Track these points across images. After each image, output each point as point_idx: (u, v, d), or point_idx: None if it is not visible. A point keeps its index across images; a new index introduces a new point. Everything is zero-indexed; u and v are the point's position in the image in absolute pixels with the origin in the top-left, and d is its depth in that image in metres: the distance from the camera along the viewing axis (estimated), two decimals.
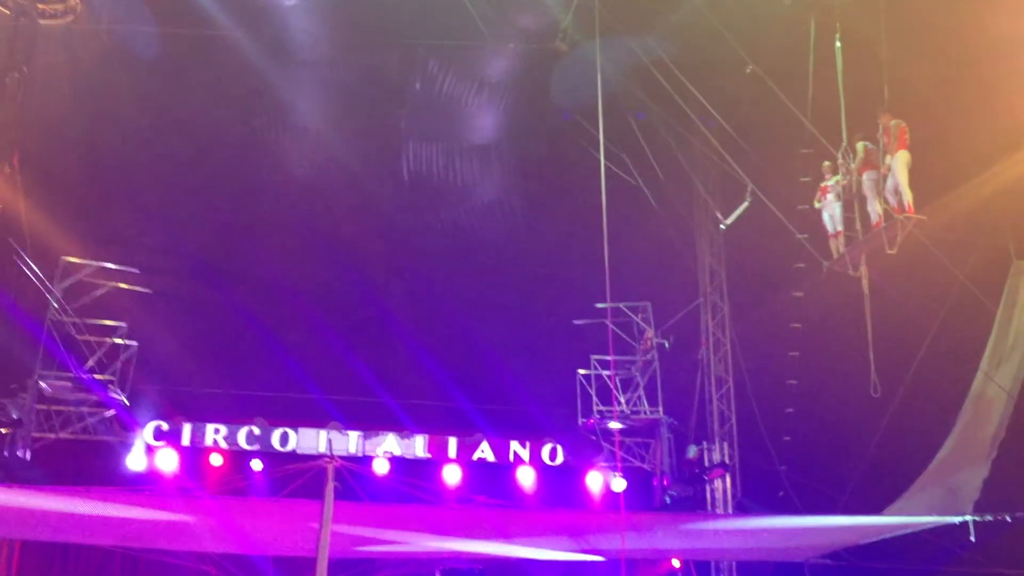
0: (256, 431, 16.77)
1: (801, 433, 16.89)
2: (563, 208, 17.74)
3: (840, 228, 13.49)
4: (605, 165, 12.11)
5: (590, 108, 12.72)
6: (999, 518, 13.21)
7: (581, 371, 17.03)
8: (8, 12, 14.33)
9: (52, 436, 16.05)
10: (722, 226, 17.01)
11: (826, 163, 13.72)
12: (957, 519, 13.51)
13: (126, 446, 16.19)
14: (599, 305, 15.29)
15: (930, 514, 13.87)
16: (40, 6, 14.65)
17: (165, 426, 16.52)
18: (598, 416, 16.89)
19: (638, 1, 14.21)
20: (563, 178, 17.74)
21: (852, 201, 13.26)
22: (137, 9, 15.00)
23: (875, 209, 12.74)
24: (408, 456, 17.10)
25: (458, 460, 17.03)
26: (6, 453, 15.24)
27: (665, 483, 17.12)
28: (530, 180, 18.26)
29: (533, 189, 18.33)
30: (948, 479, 14.10)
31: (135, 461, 15.96)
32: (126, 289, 16.33)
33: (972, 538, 13.46)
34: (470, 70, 16.73)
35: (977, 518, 13.33)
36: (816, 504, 15.56)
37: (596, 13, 12.84)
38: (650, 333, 17.33)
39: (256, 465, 16.31)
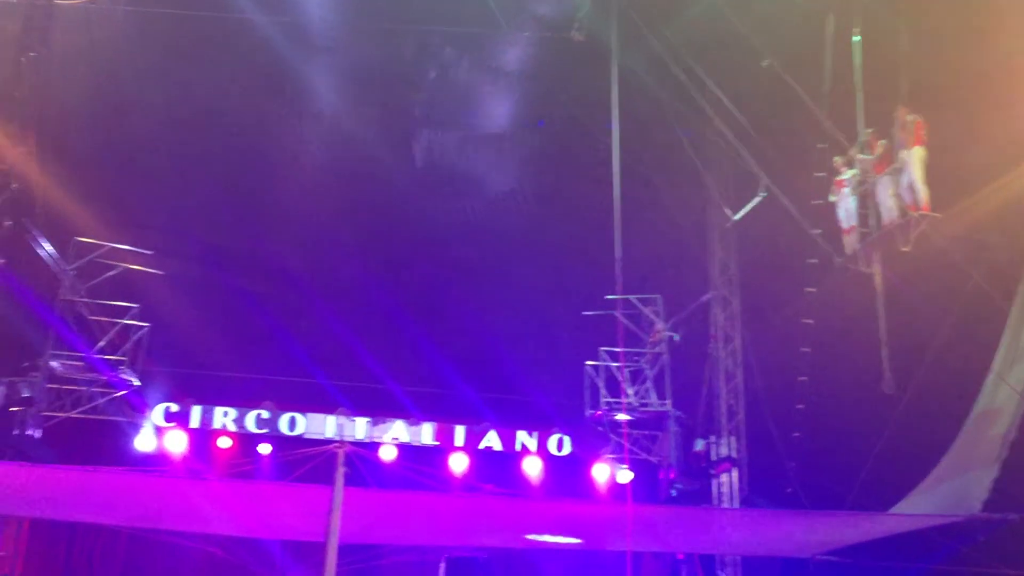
0: (265, 415, 16.83)
1: (810, 429, 16.82)
2: (575, 199, 17.71)
3: (854, 223, 13.41)
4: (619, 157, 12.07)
5: (604, 99, 12.69)
6: (1008, 517, 13.15)
7: (589, 362, 17.00)
8: None
9: (62, 415, 16.11)
10: (734, 219, 16.92)
11: (837, 158, 13.62)
12: (964, 518, 13.47)
13: (135, 427, 16.27)
14: (609, 297, 15.24)
15: (938, 512, 13.83)
16: None
17: (175, 408, 16.60)
18: (606, 408, 16.88)
19: None
20: (576, 169, 17.71)
21: (867, 197, 13.19)
22: None
23: (890, 206, 12.66)
24: (415, 443, 17.16)
25: (465, 448, 17.08)
26: (16, 431, 15.33)
27: (671, 476, 17.11)
28: (543, 170, 18.23)
29: (545, 179, 18.30)
30: (957, 478, 14.03)
31: (144, 442, 16.03)
32: (139, 270, 16.35)
33: (979, 537, 13.41)
34: (485, 59, 16.71)
35: (985, 517, 13.28)
36: (823, 500, 15.53)
37: (614, 3, 12.79)
38: (660, 326, 17.30)
39: (264, 449, 16.38)
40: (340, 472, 11.22)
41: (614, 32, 12.67)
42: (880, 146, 12.82)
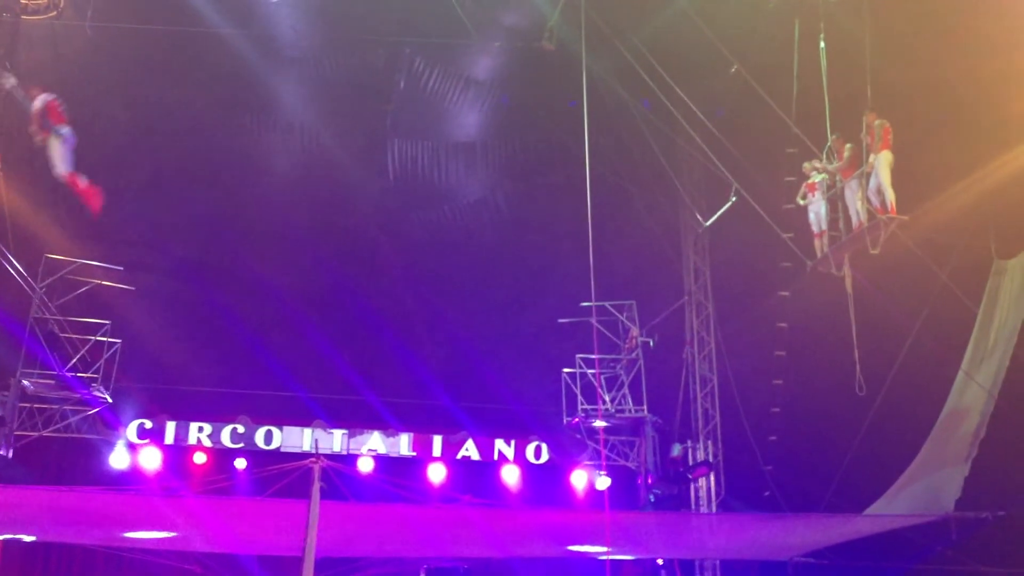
0: (240, 429, 16.74)
1: (786, 432, 16.94)
2: (548, 206, 17.75)
3: (825, 227, 13.54)
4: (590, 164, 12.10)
5: (575, 107, 12.74)
6: (980, 516, 13.30)
7: (566, 370, 17.03)
8: None
9: (35, 434, 15.98)
10: (705, 225, 17.01)
11: (806, 164, 13.75)
12: (938, 517, 13.60)
13: (109, 444, 16.16)
14: (584, 304, 15.29)
15: (912, 512, 13.96)
16: (23, 1, 14.55)
17: (148, 424, 16.50)
18: (583, 414, 16.91)
19: (624, 1, 14.22)
20: (548, 176, 17.75)
21: (836, 201, 13.32)
22: (121, 5, 14.89)
23: (858, 209, 12.79)
24: (393, 454, 17.15)
25: (443, 458, 17.07)
26: None
27: (649, 482, 17.15)
28: (515, 178, 18.26)
29: (518, 187, 18.33)
30: (930, 477, 14.18)
31: (118, 459, 15.91)
32: (110, 286, 16.23)
33: (953, 536, 13.55)
34: (456, 68, 16.74)
35: (958, 516, 13.42)
36: (800, 503, 15.63)
37: (583, 12, 12.84)
38: (635, 332, 17.35)
39: (240, 464, 16.28)
40: (316, 487, 11.16)
41: (583, 40, 12.67)
42: (847, 150, 12.95)
